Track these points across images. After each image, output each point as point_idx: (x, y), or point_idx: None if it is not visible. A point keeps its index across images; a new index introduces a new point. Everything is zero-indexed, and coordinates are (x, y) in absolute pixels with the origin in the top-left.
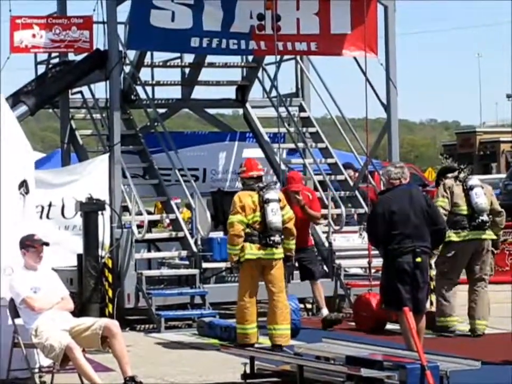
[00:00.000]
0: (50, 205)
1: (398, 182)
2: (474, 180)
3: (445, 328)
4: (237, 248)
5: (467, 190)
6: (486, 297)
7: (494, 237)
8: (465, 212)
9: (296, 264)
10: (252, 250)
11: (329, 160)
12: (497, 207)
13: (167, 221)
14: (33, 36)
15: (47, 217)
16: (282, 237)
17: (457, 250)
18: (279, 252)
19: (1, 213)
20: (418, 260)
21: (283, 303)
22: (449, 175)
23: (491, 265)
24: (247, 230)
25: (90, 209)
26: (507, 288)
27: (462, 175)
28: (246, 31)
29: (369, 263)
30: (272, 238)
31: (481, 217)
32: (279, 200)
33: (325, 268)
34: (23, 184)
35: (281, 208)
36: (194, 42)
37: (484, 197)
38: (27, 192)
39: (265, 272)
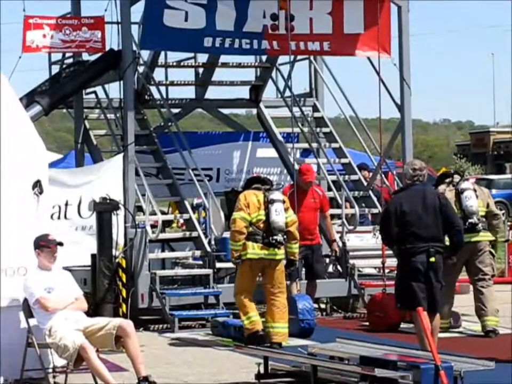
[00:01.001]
0: (66, 205)
1: (412, 182)
2: (466, 183)
3: (445, 329)
4: (238, 244)
5: (459, 194)
6: (490, 294)
7: (491, 238)
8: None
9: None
10: (255, 250)
11: (343, 160)
12: (493, 210)
13: (181, 220)
14: (44, 36)
15: (65, 217)
16: (285, 237)
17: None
18: (281, 253)
19: (15, 213)
20: (432, 259)
21: (282, 302)
22: (446, 180)
23: (492, 266)
24: (250, 229)
25: (104, 209)
26: None
27: (455, 179)
28: (259, 31)
29: (383, 263)
30: (275, 237)
31: (470, 220)
32: (283, 202)
33: (339, 267)
34: (37, 184)
35: (285, 210)
36: (207, 42)
37: (474, 199)
38: (41, 192)
39: (265, 272)
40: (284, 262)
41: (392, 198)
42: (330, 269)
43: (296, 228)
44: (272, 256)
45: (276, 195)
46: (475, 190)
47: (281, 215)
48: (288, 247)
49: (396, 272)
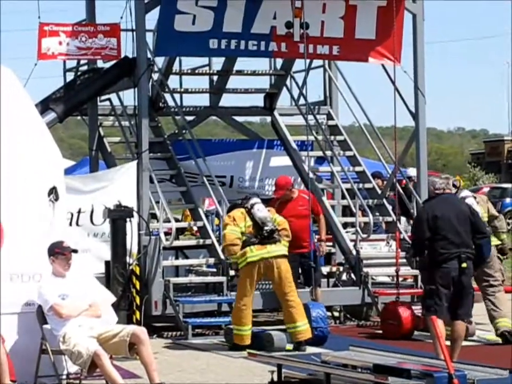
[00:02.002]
0: (79, 212)
1: (442, 191)
2: (465, 191)
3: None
4: (235, 256)
5: None
6: (502, 297)
7: (497, 242)
8: None
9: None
10: (253, 253)
11: (357, 168)
12: (494, 213)
13: (195, 228)
14: (60, 43)
15: (77, 224)
16: (278, 228)
17: None
18: (280, 249)
19: (31, 219)
20: (464, 265)
21: (295, 301)
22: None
23: (501, 271)
24: (244, 237)
25: (118, 216)
26: None
27: (453, 189)
28: (266, 32)
29: (396, 271)
30: (265, 229)
31: None
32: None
33: (352, 276)
34: (53, 191)
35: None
36: (213, 44)
37: (476, 206)
38: (56, 199)
39: (271, 275)
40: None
41: (424, 205)
42: (344, 277)
43: (285, 226)
44: (272, 254)
45: (253, 200)
46: (475, 197)
47: (264, 210)
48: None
49: (423, 278)
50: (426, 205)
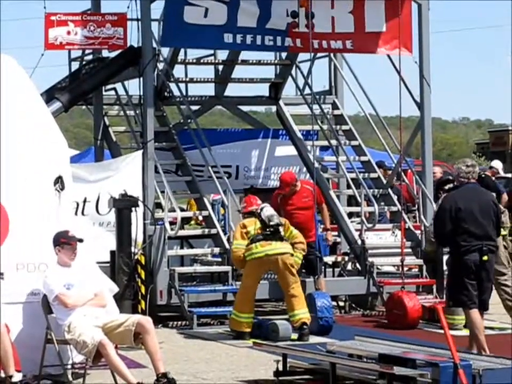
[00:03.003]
0: (85, 201)
1: (467, 180)
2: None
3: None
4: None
5: None
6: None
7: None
8: None
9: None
10: (258, 249)
11: (362, 158)
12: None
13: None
14: (68, 32)
15: (82, 213)
16: (282, 222)
17: None
18: (284, 247)
19: (36, 209)
20: (485, 258)
21: (298, 291)
22: (446, 187)
23: (507, 259)
24: (253, 233)
25: (123, 205)
26: None
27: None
28: (283, 28)
29: (401, 261)
30: (271, 223)
31: None
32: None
33: (358, 265)
34: (58, 180)
35: (286, 230)
36: (228, 38)
37: None
38: (62, 188)
39: (276, 271)
40: (293, 258)
41: (446, 195)
42: (349, 266)
43: (301, 239)
44: (277, 251)
45: (263, 205)
46: None
47: (271, 210)
48: (296, 255)
49: (447, 269)
50: (450, 196)
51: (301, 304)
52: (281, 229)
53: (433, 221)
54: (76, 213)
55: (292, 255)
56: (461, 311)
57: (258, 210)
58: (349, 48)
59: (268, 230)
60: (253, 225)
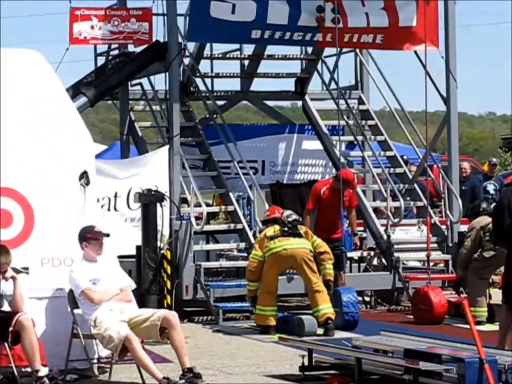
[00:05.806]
0: (116, 196)
1: None
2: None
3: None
4: (253, 284)
5: None
6: None
7: None
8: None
9: None
10: (275, 244)
11: (388, 153)
12: None
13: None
14: (92, 27)
15: (115, 208)
16: (300, 219)
17: (497, 252)
18: (303, 242)
19: (61, 203)
20: None
21: (321, 287)
22: None
23: None
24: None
25: (149, 200)
26: None
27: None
28: (314, 25)
29: (427, 256)
30: (289, 220)
31: None
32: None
33: (383, 260)
34: (84, 175)
35: (309, 238)
36: (256, 34)
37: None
38: (87, 183)
39: (294, 264)
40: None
41: (505, 189)
42: (375, 262)
43: (326, 248)
44: (295, 246)
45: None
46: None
47: (289, 211)
48: (322, 267)
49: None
50: (508, 189)
51: (325, 300)
52: (299, 226)
53: (492, 216)
54: (108, 208)
55: (311, 251)
56: (482, 302)
57: (280, 216)
58: (378, 43)
59: (286, 227)
60: (272, 229)
